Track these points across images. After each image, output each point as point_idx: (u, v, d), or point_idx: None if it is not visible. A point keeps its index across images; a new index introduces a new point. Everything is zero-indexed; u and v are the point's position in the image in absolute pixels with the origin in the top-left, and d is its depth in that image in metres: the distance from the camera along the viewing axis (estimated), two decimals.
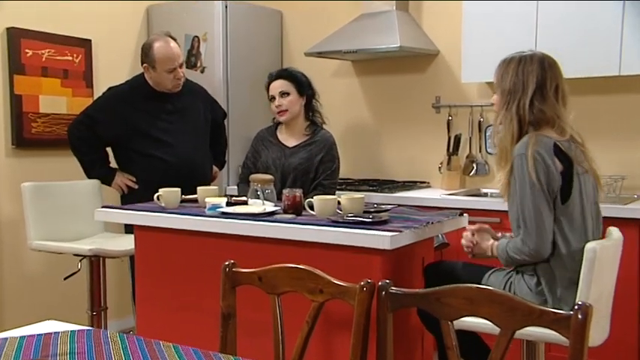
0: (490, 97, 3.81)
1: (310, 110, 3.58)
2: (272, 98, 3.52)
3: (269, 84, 3.55)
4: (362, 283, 1.80)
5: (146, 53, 3.63)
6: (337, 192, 3.80)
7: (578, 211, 2.34)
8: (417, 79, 4.43)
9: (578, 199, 2.34)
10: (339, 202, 2.71)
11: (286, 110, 3.49)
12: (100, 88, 4.09)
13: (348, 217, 2.61)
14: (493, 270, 2.46)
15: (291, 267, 1.97)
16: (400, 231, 2.43)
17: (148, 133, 3.65)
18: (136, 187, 3.70)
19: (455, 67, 4.24)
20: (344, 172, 4.64)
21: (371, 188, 4.04)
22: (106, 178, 3.74)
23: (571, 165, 2.32)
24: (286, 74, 3.54)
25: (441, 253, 3.24)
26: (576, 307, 1.52)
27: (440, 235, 2.98)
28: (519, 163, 2.30)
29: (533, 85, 2.37)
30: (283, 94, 3.49)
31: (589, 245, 2.22)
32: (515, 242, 2.36)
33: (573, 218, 2.32)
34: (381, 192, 3.97)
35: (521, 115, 2.37)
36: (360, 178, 4.50)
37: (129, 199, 3.58)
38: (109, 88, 3.78)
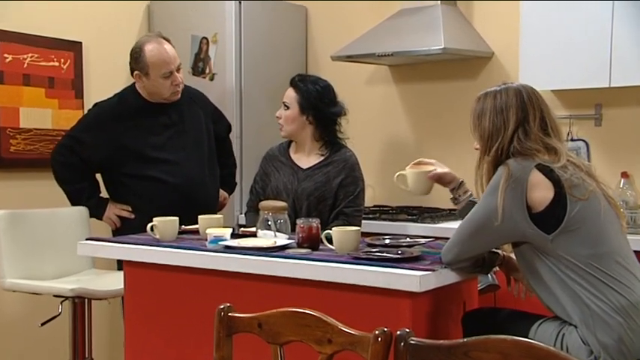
0: (554, 109, 3.81)
1: (324, 132, 3.53)
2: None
3: None
4: (377, 332, 1.80)
5: (136, 59, 3.69)
6: (368, 221, 3.82)
7: (606, 250, 2.33)
8: (466, 86, 4.43)
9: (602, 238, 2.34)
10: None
11: (281, 125, 3.53)
12: (91, 99, 4.16)
13: (372, 252, 2.62)
14: (543, 320, 2.44)
15: (296, 312, 1.98)
16: (433, 270, 2.43)
17: (142, 152, 3.71)
18: (132, 217, 3.75)
19: (512, 73, 4.22)
20: (379, 198, 4.67)
21: (410, 217, 4.04)
22: (96, 210, 3.80)
23: (562, 188, 2.33)
24: (297, 83, 3.53)
25: (493, 297, 3.20)
26: None
27: (489, 275, 2.95)
28: (498, 175, 2.37)
29: (515, 122, 2.42)
30: (285, 105, 3.53)
31: None
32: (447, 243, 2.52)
33: (604, 262, 2.31)
34: (421, 222, 3.96)
35: (499, 158, 2.43)
36: (398, 206, 4.49)
37: (122, 231, 3.64)
38: (95, 104, 3.85)
